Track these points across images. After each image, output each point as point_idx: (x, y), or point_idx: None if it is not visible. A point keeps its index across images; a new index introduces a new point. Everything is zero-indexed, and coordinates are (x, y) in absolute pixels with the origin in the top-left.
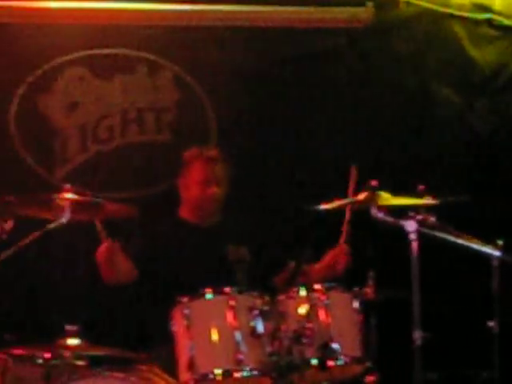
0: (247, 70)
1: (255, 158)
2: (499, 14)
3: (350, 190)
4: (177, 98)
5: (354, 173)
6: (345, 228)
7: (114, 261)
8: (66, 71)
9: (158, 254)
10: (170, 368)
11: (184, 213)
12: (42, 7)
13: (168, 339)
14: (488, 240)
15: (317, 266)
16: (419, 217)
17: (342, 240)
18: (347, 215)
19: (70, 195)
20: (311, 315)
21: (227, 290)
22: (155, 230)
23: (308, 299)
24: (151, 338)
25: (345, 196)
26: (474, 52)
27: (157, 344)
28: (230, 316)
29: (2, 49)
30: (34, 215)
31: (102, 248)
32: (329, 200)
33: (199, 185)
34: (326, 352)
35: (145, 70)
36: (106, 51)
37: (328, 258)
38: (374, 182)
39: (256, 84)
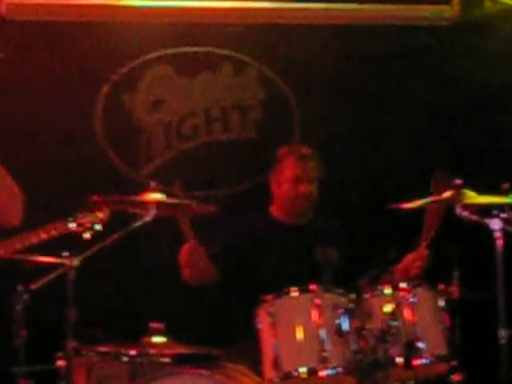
0: (331, 68)
1: (340, 156)
2: None
3: (436, 191)
4: (262, 96)
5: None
6: (430, 232)
7: (195, 262)
8: (151, 69)
9: (243, 252)
10: (255, 366)
11: (274, 210)
12: (128, 5)
13: (253, 337)
14: None
15: (398, 266)
16: (504, 215)
17: (423, 245)
18: (436, 220)
19: (155, 195)
20: (396, 313)
21: (313, 288)
22: (241, 228)
23: (393, 297)
24: (236, 335)
25: (426, 196)
26: None
27: (242, 342)
28: (315, 314)
29: (88, 47)
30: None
31: (185, 248)
32: (411, 199)
33: (291, 182)
34: (411, 351)
35: (230, 68)
36: (191, 49)
37: (405, 261)
38: (458, 181)
39: (340, 81)
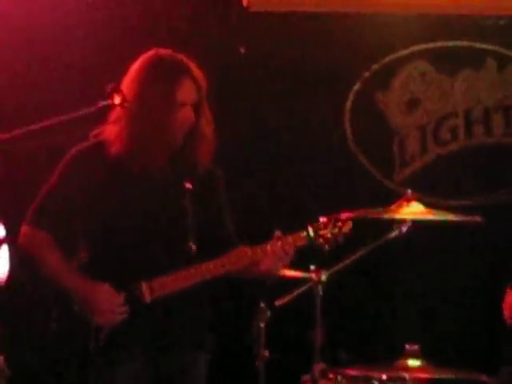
0: None
1: None
2: None
3: None
4: None
5: None
6: None
7: None
8: (406, 66)
9: None
10: None
11: None
12: None
13: None
14: None
15: None
16: None
17: None
18: None
19: (412, 207)
20: None
21: None
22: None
23: None
24: (498, 359)
25: None
26: None
27: (504, 365)
28: None
29: (338, 41)
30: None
31: None
32: None
33: None
34: None
35: (493, 64)
36: (450, 44)
37: None
38: None
39: None
